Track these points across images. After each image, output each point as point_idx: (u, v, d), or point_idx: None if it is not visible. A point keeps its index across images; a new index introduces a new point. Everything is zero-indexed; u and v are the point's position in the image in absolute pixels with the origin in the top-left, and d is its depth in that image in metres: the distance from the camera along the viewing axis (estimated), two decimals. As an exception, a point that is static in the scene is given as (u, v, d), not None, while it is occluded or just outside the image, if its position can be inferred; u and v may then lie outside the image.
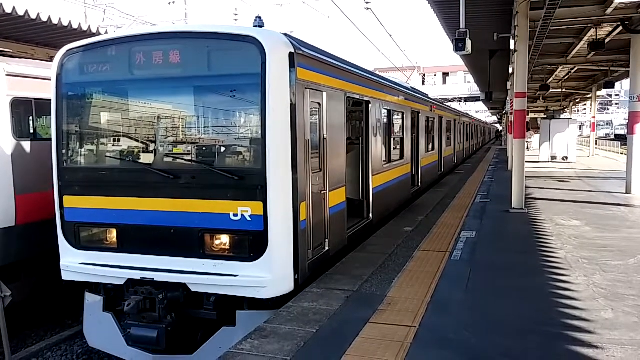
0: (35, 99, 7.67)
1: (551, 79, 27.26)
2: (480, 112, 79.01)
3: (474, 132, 39.14)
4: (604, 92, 42.73)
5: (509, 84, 24.69)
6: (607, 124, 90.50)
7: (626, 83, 27.46)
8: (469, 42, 10.81)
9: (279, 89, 5.63)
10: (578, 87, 32.40)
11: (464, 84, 64.41)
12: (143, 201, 6.02)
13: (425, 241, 8.70)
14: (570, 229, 9.70)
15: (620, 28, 14.34)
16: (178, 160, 6.22)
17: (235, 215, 5.65)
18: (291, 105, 5.75)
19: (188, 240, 5.85)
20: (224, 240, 5.80)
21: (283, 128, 5.68)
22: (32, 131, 7.88)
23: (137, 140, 6.48)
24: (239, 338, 4.94)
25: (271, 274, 5.61)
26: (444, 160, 19.56)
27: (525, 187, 12.53)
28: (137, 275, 5.93)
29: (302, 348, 4.57)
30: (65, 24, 9.26)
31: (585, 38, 16.30)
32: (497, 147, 50.50)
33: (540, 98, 38.05)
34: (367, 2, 17.28)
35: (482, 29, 15.00)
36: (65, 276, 6.42)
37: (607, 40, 15.89)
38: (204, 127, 6.31)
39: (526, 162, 12.41)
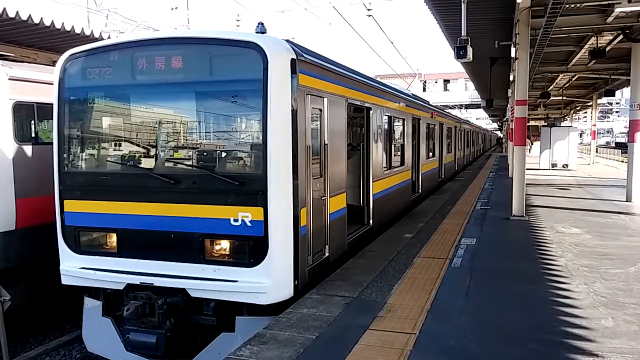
0: (37, 103, 7.69)
1: (552, 86, 27.29)
2: (480, 119, 79.09)
3: (474, 139, 39.19)
4: (604, 100, 42.78)
5: (509, 91, 24.72)
6: (607, 131, 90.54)
7: (627, 91, 27.51)
8: (470, 50, 10.86)
9: (281, 94, 5.64)
10: (579, 95, 32.43)
11: (464, 91, 64.54)
12: (143, 206, 6.02)
13: (426, 248, 8.69)
14: (570, 236, 9.69)
15: (621, 36, 14.39)
16: (179, 165, 6.23)
17: (236, 220, 5.64)
18: (292, 111, 5.76)
19: (188, 246, 5.84)
20: (224, 245, 5.80)
21: (284, 134, 5.68)
22: (33, 135, 7.90)
23: (139, 145, 6.48)
24: (238, 344, 4.94)
25: (271, 279, 5.60)
26: (444, 166, 19.58)
27: (526, 195, 12.52)
28: (136, 280, 5.92)
29: (301, 354, 4.56)
30: (68, 28, 9.29)
31: (586, 46, 16.33)
32: (498, 154, 50.50)
33: (541, 105, 38.07)
34: (369, 9, 17.35)
35: (483, 37, 15.06)
36: (64, 280, 6.41)
37: (607, 49, 15.93)
38: (205, 132, 6.33)
39: (527, 169, 12.42)
